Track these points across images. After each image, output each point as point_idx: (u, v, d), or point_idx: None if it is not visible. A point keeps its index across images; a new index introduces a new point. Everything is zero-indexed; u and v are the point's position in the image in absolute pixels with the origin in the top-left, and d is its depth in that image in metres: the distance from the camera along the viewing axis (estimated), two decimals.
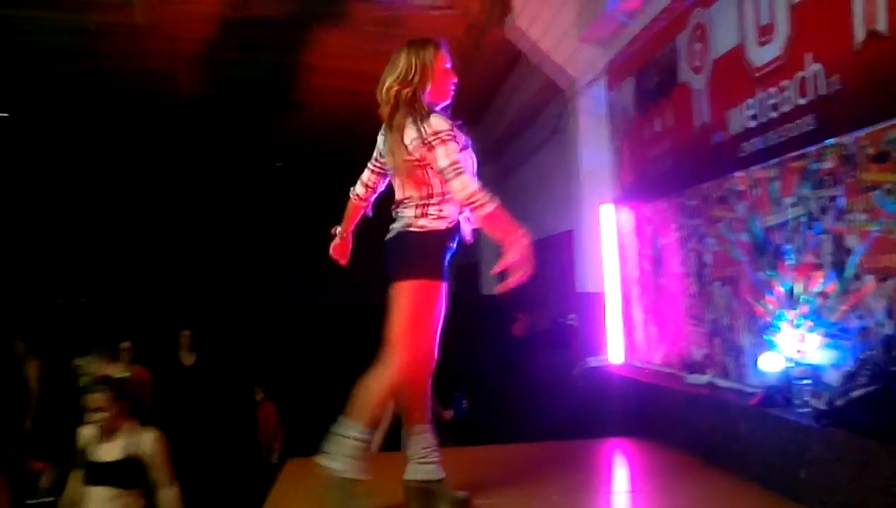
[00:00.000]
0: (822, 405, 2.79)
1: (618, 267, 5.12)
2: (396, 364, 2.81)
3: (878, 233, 2.66)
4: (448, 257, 2.87)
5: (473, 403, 6.63)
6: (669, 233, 4.40)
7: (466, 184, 2.72)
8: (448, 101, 3.01)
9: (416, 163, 2.83)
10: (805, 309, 3.09)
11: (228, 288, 12.20)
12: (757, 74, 3.40)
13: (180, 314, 8.83)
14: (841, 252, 2.86)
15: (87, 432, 3.87)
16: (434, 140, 2.77)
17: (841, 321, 2.87)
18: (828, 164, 2.92)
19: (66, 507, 3.90)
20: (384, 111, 2.95)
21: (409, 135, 2.83)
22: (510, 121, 7.51)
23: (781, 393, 3.07)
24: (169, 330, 7.68)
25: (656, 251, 4.60)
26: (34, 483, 5.11)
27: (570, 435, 4.48)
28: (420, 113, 2.83)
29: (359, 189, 3.19)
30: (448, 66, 3.00)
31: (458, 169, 2.73)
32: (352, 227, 3.24)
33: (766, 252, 3.40)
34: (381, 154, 3.06)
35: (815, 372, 3.00)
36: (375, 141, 3.13)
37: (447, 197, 2.84)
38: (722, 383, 3.79)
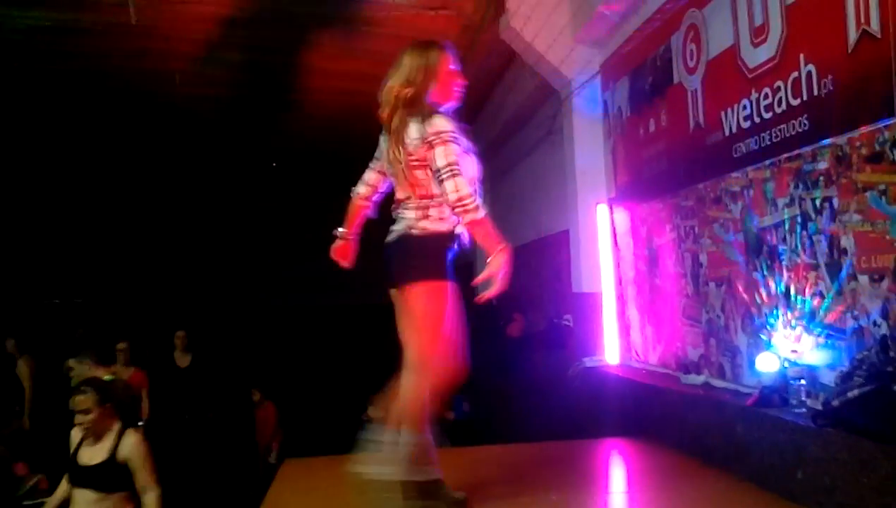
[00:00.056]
0: (818, 405, 2.81)
1: (613, 268, 5.12)
2: (428, 369, 2.82)
3: (872, 233, 2.67)
4: (450, 258, 2.86)
5: (473, 405, 6.63)
6: (665, 233, 4.41)
7: (459, 187, 2.71)
8: (455, 103, 3.01)
9: (417, 164, 2.83)
10: (800, 309, 3.10)
11: (224, 288, 12.19)
12: (751, 75, 3.41)
13: (175, 314, 8.83)
14: (836, 252, 2.86)
15: (76, 434, 3.87)
16: (435, 139, 2.77)
17: (836, 321, 2.88)
18: (822, 165, 2.93)
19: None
20: (385, 112, 2.95)
21: (411, 134, 2.82)
22: (505, 122, 7.51)
23: (777, 393, 3.08)
24: (164, 331, 7.68)
25: (652, 251, 4.61)
26: (20, 483, 5.09)
27: (566, 436, 4.48)
28: (422, 113, 2.83)
29: (360, 189, 3.18)
30: (453, 67, 3.00)
31: (453, 171, 2.73)
32: (355, 229, 3.20)
33: (761, 252, 3.41)
34: (382, 154, 3.06)
35: (810, 372, 3.01)
36: (374, 140, 3.12)
37: (436, 202, 2.83)
38: (718, 383, 3.80)
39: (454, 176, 2.72)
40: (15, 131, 9.01)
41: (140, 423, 6.27)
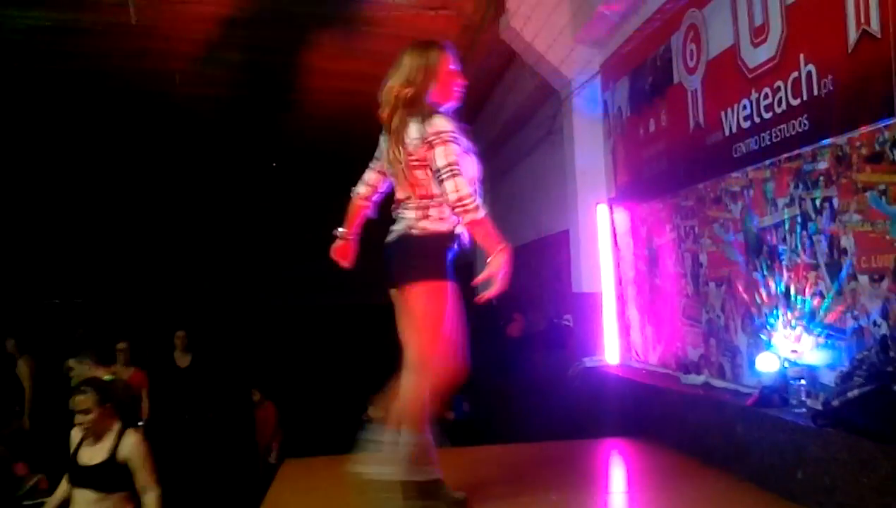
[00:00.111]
0: (818, 405, 2.81)
1: (613, 268, 5.12)
2: (429, 369, 2.82)
3: (872, 233, 2.67)
4: (451, 258, 2.86)
5: (473, 405, 6.62)
6: (665, 233, 4.41)
7: (459, 187, 2.71)
8: (455, 103, 3.01)
9: (417, 164, 2.83)
10: (800, 309, 3.10)
11: (224, 288, 12.19)
12: (751, 75, 3.41)
13: (175, 314, 8.83)
14: (836, 252, 2.86)
15: (76, 434, 3.87)
16: (435, 139, 2.76)
17: (836, 321, 2.88)
18: (822, 165, 2.93)
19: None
20: (385, 112, 2.95)
21: (411, 134, 2.82)
22: (505, 122, 7.51)
23: (778, 393, 3.08)
24: (164, 331, 7.68)
25: (652, 251, 4.61)
26: (21, 483, 5.09)
27: (566, 436, 4.48)
28: (422, 113, 2.83)
29: (360, 189, 3.17)
30: (454, 67, 3.00)
31: (453, 171, 2.73)
32: (355, 229, 3.19)
33: (761, 252, 3.41)
34: (382, 154, 3.06)
35: (810, 372, 3.01)
36: (374, 140, 3.12)
37: (436, 201, 2.83)
38: (718, 383, 3.80)
39: (454, 176, 2.72)
40: (15, 131, 9.02)
41: (140, 423, 6.28)
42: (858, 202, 2.73)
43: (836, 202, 2.86)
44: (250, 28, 6.21)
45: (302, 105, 8.33)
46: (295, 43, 6.60)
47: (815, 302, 3.00)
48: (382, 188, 3.15)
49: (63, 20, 6.11)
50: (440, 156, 2.75)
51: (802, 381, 3.01)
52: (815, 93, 2.94)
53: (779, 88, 3.17)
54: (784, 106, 3.14)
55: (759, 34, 3.35)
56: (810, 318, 3.04)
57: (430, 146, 2.77)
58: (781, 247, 3.23)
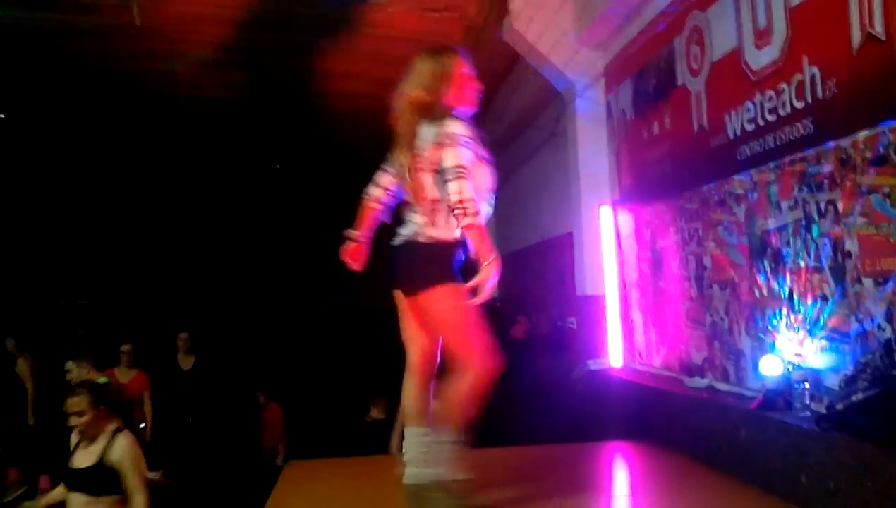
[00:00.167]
0: (822, 408, 2.80)
1: (617, 270, 5.12)
2: (473, 367, 2.83)
3: (876, 236, 2.66)
4: (457, 265, 2.85)
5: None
6: (668, 235, 4.40)
7: (462, 189, 2.70)
8: (471, 107, 3.00)
9: (425, 168, 2.83)
10: (804, 312, 3.09)
11: (227, 289, 12.19)
12: (754, 77, 3.40)
13: (179, 316, 8.83)
14: (840, 255, 2.86)
15: (75, 436, 3.87)
16: (447, 141, 2.76)
17: (840, 324, 2.87)
18: (826, 168, 2.92)
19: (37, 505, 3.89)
20: (399, 118, 2.94)
21: (423, 136, 2.82)
22: (508, 124, 7.51)
23: (781, 396, 3.07)
24: (167, 333, 7.68)
25: (655, 254, 4.60)
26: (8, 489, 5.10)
27: (569, 439, 4.47)
28: (437, 116, 2.82)
29: (373, 191, 3.15)
30: (468, 71, 2.99)
31: (460, 173, 2.72)
32: (366, 231, 3.15)
33: (764, 255, 3.40)
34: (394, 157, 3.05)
35: (814, 375, 3.00)
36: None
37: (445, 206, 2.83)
38: (722, 386, 3.79)
39: (460, 178, 2.72)
40: (21, 133, 9.04)
41: (142, 426, 6.28)
42: (862, 205, 2.72)
43: (840, 205, 2.85)
44: (253, 30, 6.22)
45: (305, 107, 8.34)
46: (298, 45, 6.61)
47: (819, 305, 2.99)
48: (395, 191, 3.11)
49: (67, 22, 6.13)
50: (449, 157, 2.74)
51: (806, 385, 3.00)
52: (819, 95, 2.93)
53: (782, 91, 3.17)
54: (788, 108, 3.13)
55: (762, 37, 3.34)
56: (814, 322, 3.03)
57: (441, 147, 2.77)
58: (785, 250, 3.22)
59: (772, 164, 3.28)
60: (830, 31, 2.85)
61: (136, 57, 6.77)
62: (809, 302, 3.06)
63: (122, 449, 3.73)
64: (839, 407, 2.52)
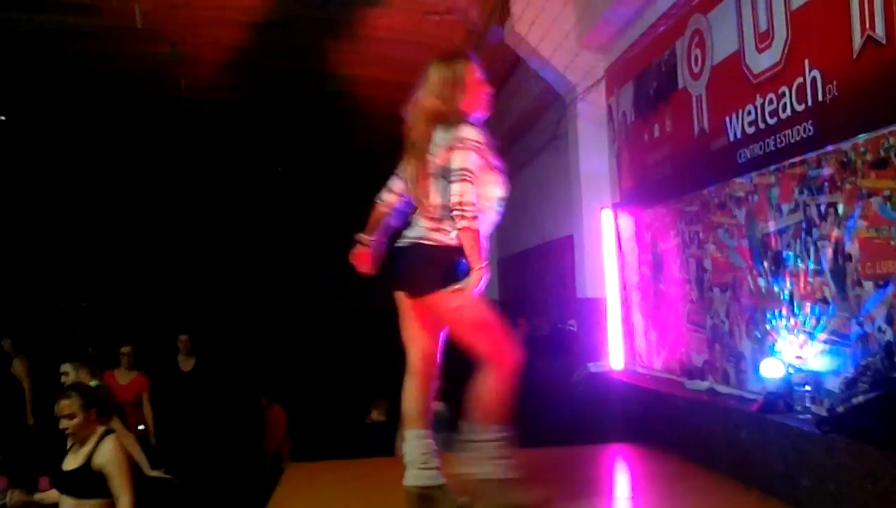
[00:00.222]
0: (822, 411, 2.80)
1: (618, 273, 5.12)
2: (505, 357, 2.88)
3: (877, 239, 2.66)
4: (462, 270, 2.84)
5: None
6: (669, 238, 4.41)
7: (464, 192, 2.71)
8: (484, 112, 3.02)
9: (436, 173, 2.83)
10: (805, 315, 3.09)
11: (227, 292, 12.20)
12: (755, 80, 3.41)
13: (179, 318, 8.83)
14: (840, 258, 2.86)
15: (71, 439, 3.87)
16: (457, 144, 2.77)
17: (841, 327, 2.87)
18: (826, 171, 2.93)
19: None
20: (414, 125, 2.95)
21: (436, 141, 2.84)
22: (509, 127, 7.51)
23: (782, 399, 3.07)
24: (168, 335, 7.68)
25: (656, 256, 4.61)
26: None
27: (570, 441, 4.47)
28: (451, 122, 2.83)
29: (384, 196, 3.14)
30: (480, 76, 3.00)
31: (466, 176, 2.73)
32: (377, 236, 3.13)
33: (765, 258, 3.40)
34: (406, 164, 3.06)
35: (815, 378, 3.00)
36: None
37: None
38: (722, 389, 3.79)
39: (464, 180, 2.73)
40: (22, 135, 9.05)
41: (140, 427, 6.27)
42: (863, 208, 2.72)
43: (840, 208, 2.85)
44: (254, 33, 6.22)
45: (307, 110, 8.35)
46: (300, 48, 6.62)
47: (820, 308, 3.00)
48: (407, 197, 3.09)
49: (69, 24, 6.14)
50: (457, 159, 2.75)
51: (807, 387, 3.01)
52: (820, 98, 2.93)
53: (783, 94, 3.17)
54: (789, 111, 3.13)
55: (763, 40, 3.34)
56: (815, 324, 3.03)
57: (452, 150, 2.77)
58: (786, 253, 3.22)
59: (772, 167, 3.29)
60: (831, 34, 2.86)
61: (138, 59, 6.78)
62: (810, 304, 3.06)
63: (107, 453, 3.70)
64: (840, 409, 2.52)
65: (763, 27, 3.34)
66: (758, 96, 3.36)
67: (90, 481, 3.68)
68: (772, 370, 3.16)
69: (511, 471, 2.89)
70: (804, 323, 3.10)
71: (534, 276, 7.39)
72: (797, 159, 3.10)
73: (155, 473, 4.93)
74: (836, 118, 2.85)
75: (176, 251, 12.14)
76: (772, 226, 3.33)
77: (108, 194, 11.35)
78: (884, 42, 2.59)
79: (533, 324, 6.59)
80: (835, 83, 2.85)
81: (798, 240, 3.13)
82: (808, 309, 3.08)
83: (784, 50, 3.18)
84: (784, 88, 3.17)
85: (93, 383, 4.77)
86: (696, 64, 4.00)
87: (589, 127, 5.44)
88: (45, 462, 5.07)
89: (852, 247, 2.79)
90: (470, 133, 2.79)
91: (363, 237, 3.13)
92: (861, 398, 2.44)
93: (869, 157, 2.69)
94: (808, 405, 2.97)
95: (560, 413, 4.94)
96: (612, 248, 5.16)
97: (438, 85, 2.92)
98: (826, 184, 2.93)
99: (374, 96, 7.25)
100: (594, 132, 5.41)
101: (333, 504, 3.40)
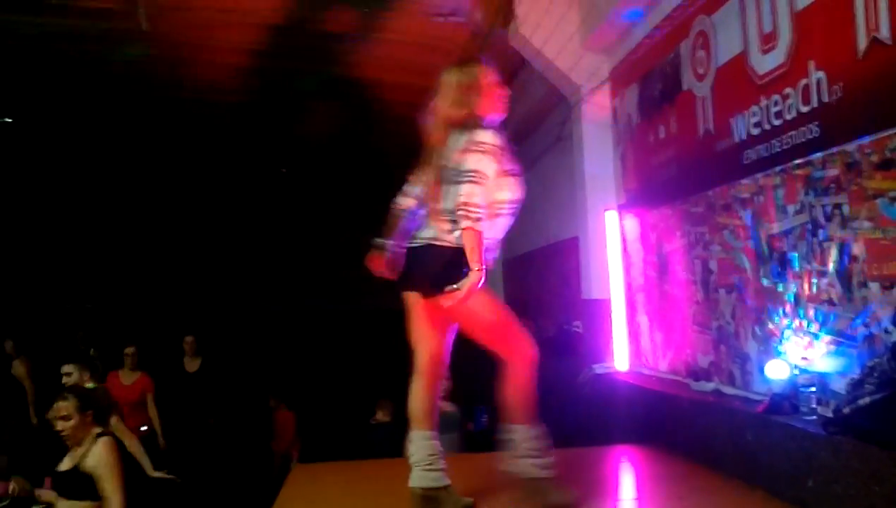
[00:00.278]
0: (828, 412, 2.79)
1: (623, 274, 5.12)
2: (521, 354, 2.96)
3: (883, 240, 2.66)
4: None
5: (492, 417, 6.60)
6: (674, 239, 4.40)
7: (472, 193, 2.72)
8: (501, 114, 3.03)
9: (450, 177, 2.84)
10: (811, 316, 3.09)
11: (232, 293, 12.22)
12: (760, 82, 3.40)
13: (185, 319, 8.85)
14: (846, 259, 2.85)
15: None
16: (473, 146, 2.79)
17: (847, 328, 2.87)
18: (832, 172, 2.93)
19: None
20: (432, 132, 2.97)
21: (452, 146, 2.86)
22: (514, 128, 7.51)
23: (788, 400, 3.07)
24: (174, 336, 7.70)
25: (661, 258, 4.60)
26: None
27: (575, 442, 4.47)
28: (468, 125, 2.86)
29: (401, 200, 3.15)
30: (495, 79, 3.02)
31: (474, 178, 2.74)
32: (396, 240, 3.10)
33: (771, 259, 3.40)
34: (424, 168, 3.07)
35: (821, 379, 3.00)
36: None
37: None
38: (728, 390, 3.79)
39: (474, 182, 2.74)
40: (27, 137, 9.08)
41: (143, 428, 6.29)
42: (869, 209, 2.72)
43: (846, 209, 2.85)
44: (258, 35, 6.23)
45: (310, 111, 8.36)
46: (303, 49, 6.63)
47: (826, 309, 2.99)
48: (423, 200, 3.08)
49: (73, 27, 6.16)
50: (470, 161, 2.77)
51: (813, 388, 3.00)
52: (825, 99, 2.93)
53: (788, 95, 3.17)
54: (794, 113, 3.13)
55: (768, 41, 3.34)
56: (821, 325, 3.03)
57: (467, 151, 2.79)
58: (792, 254, 3.22)
59: (778, 168, 3.29)
60: (836, 36, 2.86)
61: (141, 62, 6.80)
62: (815, 306, 3.06)
63: (98, 455, 3.69)
64: (846, 410, 2.52)
65: (767, 28, 3.34)
66: (763, 97, 3.36)
67: (79, 483, 3.67)
68: (777, 371, 3.15)
69: (548, 470, 2.96)
70: (810, 325, 3.09)
71: (539, 278, 7.39)
72: (802, 160, 3.10)
73: (158, 474, 4.94)
74: (841, 119, 2.85)
75: (181, 253, 12.16)
76: (777, 228, 3.33)
77: (114, 196, 11.37)
78: (889, 42, 2.59)
79: (538, 326, 6.59)
80: (840, 84, 2.85)
81: (803, 242, 3.13)
82: (813, 311, 3.07)
83: (789, 51, 3.18)
84: (789, 90, 3.16)
85: (89, 385, 4.78)
86: (701, 65, 4.00)
87: (593, 128, 5.45)
88: (49, 463, 5.10)
89: (858, 248, 2.79)
90: (485, 136, 2.81)
91: (381, 241, 3.12)
92: (867, 399, 2.44)
93: (874, 158, 2.69)
94: (813, 406, 2.97)
95: (565, 414, 4.94)
96: (617, 250, 5.16)
97: (454, 90, 2.95)
98: (832, 185, 2.93)
99: (377, 98, 7.27)
100: (599, 134, 5.41)
101: (338, 506, 3.41)
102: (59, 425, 3.76)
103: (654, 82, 4.60)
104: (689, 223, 4.22)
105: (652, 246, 4.74)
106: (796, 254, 3.19)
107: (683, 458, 3.83)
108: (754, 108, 3.43)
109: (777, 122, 3.25)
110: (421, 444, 2.96)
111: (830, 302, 2.96)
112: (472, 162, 2.76)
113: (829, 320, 2.97)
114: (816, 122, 2.99)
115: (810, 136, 3.02)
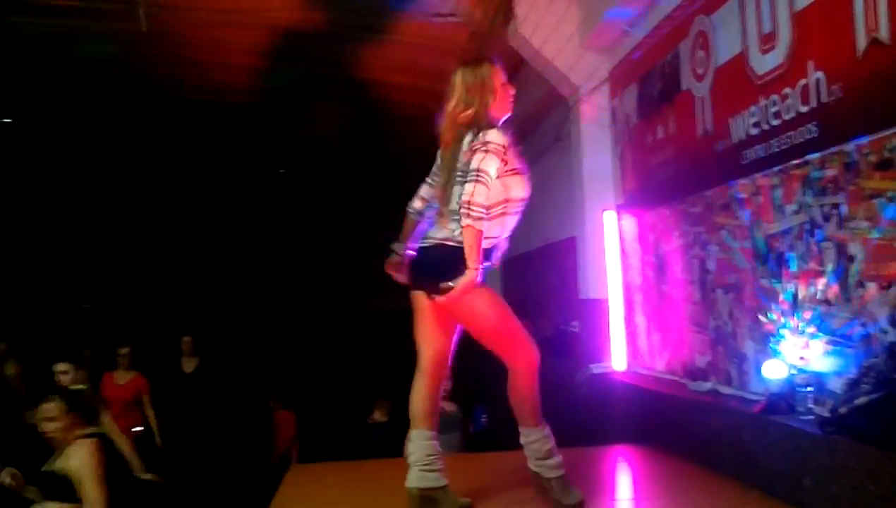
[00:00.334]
0: (825, 412, 2.79)
1: (621, 274, 5.12)
2: (522, 358, 2.96)
3: (880, 240, 2.66)
4: (484, 272, 2.83)
5: (491, 417, 6.60)
6: (672, 239, 4.41)
7: (476, 193, 2.72)
8: (509, 113, 3.05)
9: (460, 178, 2.84)
10: (808, 316, 3.09)
11: (229, 294, 12.22)
12: (759, 82, 3.40)
13: (182, 319, 8.85)
14: (844, 259, 2.86)
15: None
16: (481, 146, 2.79)
17: (844, 328, 2.87)
18: (830, 172, 2.93)
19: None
20: (445, 133, 2.98)
21: (462, 145, 2.87)
22: (513, 128, 7.52)
23: (785, 400, 3.07)
24: (171, 336, 7.69)
25: (659, 258, 4.61)
26: None
27: (572, 442, 4.45)
28: (479, 126, 2.86)
29: (416, 203, 3.14)
30: (504, 79, 3.02)
31: (480, 177, 2.74)
32: (411, 244, 3.08)
33: (768, 259, 3.40)
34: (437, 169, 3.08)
35: (818, 379, 3.00)
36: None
37: (489, 214, 2.82)
38: (725, 390, 3.79)
39: (479, 182, 2.74)
40: (26, 137, 9.07)
41: (138, 428, 6.28)
42: (867, 209, 2.72)
43: (844, 209, 2.85)
44: (258, 36, 6.23)
45: (310, 112, 8.36)
46: (304, 50, 6.63)
47: (823, 309, 2.99)
48: (435, 202, 3.07)
49: (74, 27, 6.15)
50: (477, 160, 2.78)
51: (810, 388, 3.00)
52: (824, 100, 2.93)
53: (787, 95, 3.17)
54: (792, 113, 3.13)
55: (767, 41, 3.34)
56: (818, 325, 3.03)
57: (475, 151, 2.79)
58: (789, 254, 3.23)
59: (776, 169, 3.29)
60: (835, 36, 2.86)
61: (142, 62, 6.79)
62: (813, 306, 3.06)
63: (79, 457, 3.63)
64: (842, 410, 2.52)
65: (767, 28, 3.34)
66: (762, 98, 3.36)
67: (58, 484, 3.62)
68: (774, 371, 3.16)
69: (559, 469, 2.98)
70: (807, 325, 3.09)
71: (536, 278, 7.38)
72: (801, 160, 3.10)
73: (147, 476, 4.89)
74: (840, 119, 2.85)
75: (179, 253, 12.16)
76: (775, 228, 3.33)
77: (112, 196, 11.37)
78: (888, 43, 2.59)
79: (536, 326, 6.58)
80: (839, 84, 2.85)
81: (801, 242, 3.13)
82: (810, 311, 3.07)
83: (788, 51, 3.18)
84: (788, 90, 3.16)
85: (73, 387, 4.75)
86: (700, 66, 4.00)
87: (592, 128, 5.45)
88: (39, 464, 5.08)
89: (856, 249, 2.79)
90: (494, 136, 2.82)
91: (397, 246, 3.11)
92: (864, 399, 2.44)
93: (873, 158, 2.69)
94: (810, 406, 2.97)
95: (563, 414, 4.91)
96: (614, 250, 5.16)
97: (465, 91, 2.95)
98: (830, 185, 2.93)
99: (377, 98, 7.27)
100: (597, 134, 5.41)
101: (335, 506, 3.40)
102: (45, 426, 3.72)
103: (653, 82, 4.60)
104: (687, 223, 4.22)
105: (650, 246, 4.74)
106: (794, 254, 3.19)
107: (680, 458, 3.83)
108: (753, 109, 3.43)
109: (776, 122, 3.25)
110: (420, 444, 2.95)
111: (828, 302, 2.96)
112: (478, 162, 2.77)
113: (827, 320, 2.97)
114: (815, 122, 2.99)
115: (809, 136, 3.02)
